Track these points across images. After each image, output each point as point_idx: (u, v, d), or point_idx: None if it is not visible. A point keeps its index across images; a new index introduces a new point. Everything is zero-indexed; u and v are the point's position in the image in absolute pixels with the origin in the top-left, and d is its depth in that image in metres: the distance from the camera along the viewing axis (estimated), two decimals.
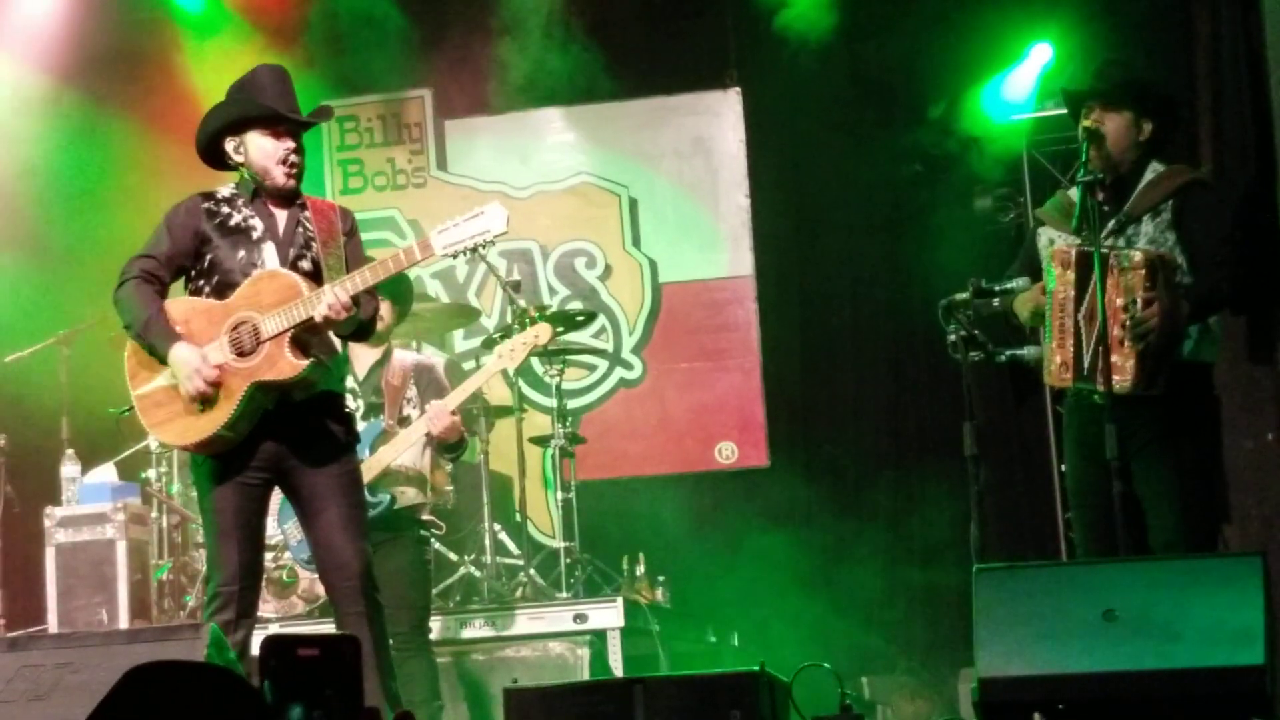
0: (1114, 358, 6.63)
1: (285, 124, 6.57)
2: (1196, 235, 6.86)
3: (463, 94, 11.52)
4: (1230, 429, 9.29)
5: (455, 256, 6.57)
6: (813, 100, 10.92)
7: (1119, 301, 6.65)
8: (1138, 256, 6.65)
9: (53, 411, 10.48)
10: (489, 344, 9.21)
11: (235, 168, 6.67)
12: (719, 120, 11.29)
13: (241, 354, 6.39)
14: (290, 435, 6.49)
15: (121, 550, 9.49)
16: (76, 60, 11.18)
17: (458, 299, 11.28)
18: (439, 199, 11.42)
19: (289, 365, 6.37)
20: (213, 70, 10.87)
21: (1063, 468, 8.21)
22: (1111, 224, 6.87)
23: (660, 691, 5.99)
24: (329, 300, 6.31)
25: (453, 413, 8.24)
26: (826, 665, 6.74)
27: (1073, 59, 9.87)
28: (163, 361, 6.46)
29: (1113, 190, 6.94)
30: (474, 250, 6.48)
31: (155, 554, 9.75)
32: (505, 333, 8.99)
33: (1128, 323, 6.62)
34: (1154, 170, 6.97)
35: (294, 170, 6.58)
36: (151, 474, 9.87)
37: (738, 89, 11.20)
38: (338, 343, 6.65)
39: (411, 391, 8.49)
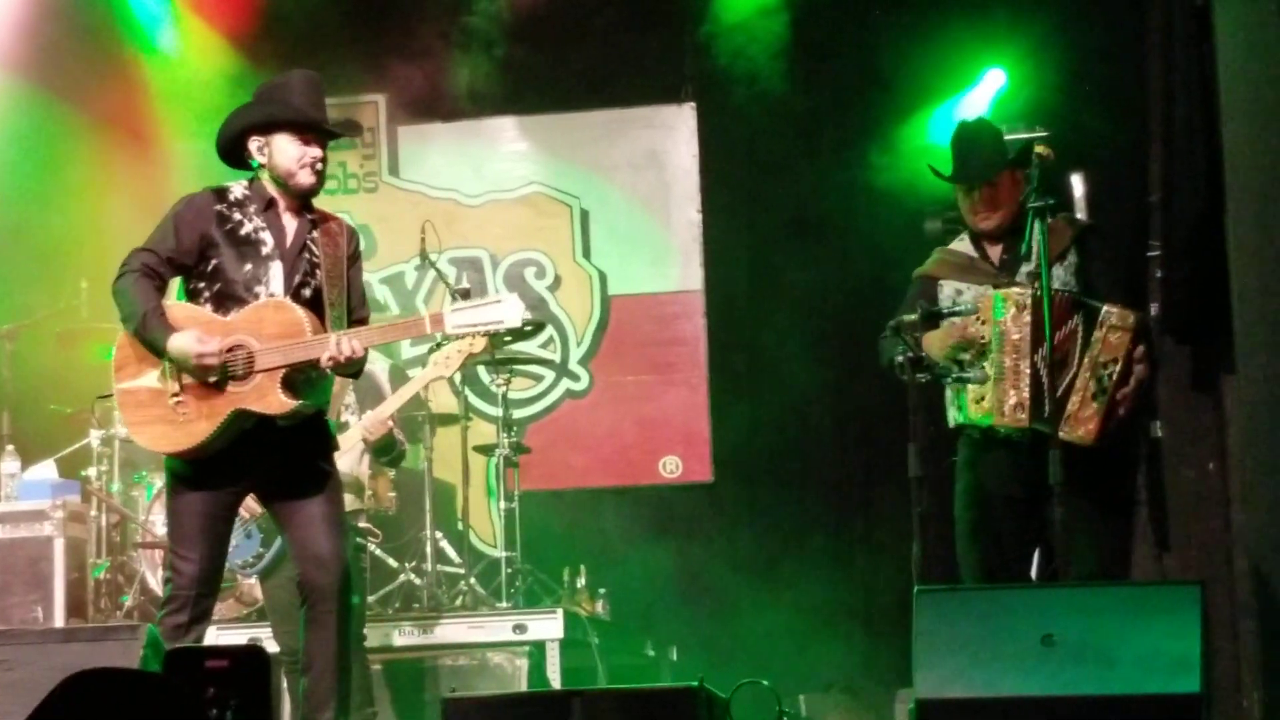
0: (1078, 408, 6.80)
1: (316, 131, 6.55)
2: (1099, 278, 7.18)
3: (417, 100, 11.49)
4: (1172, 458, 9.35)
5: (461, 338, 6.65)
6: (767, 117, 10.92)
7: (1100, 357, 6.82)
8: (1131, 319, 6.87)
9: None
10: (434, 351, 9.20)
11: (252, 168, 6.64)
12: (673, 134, 11.29)
13: (233, 378, 6.38)
14: (270, 443, 6.47)
15: (59, 548, 9.41)
16: (28, 53, 11.10)
17: (406, 305, 11.25)
18: (390, 204, 11.40)
19: (278, 402, 6.37)
20: (167, 70, 10.86)
21: None
22: (1027, 268, 7.05)
23: (598, 704, 5.99)
24: (341, 350, 6.31)
25: (387, 419, 8.23)
26: (765, 682, 6.74)
27: (1027, 85, 9.94)
28: (161, 355, 6.41)
29: (1009, 239, 7.23)
30: (484, 336, 6.60)
31: (93, 553, 9.68)
32: (447, 340, 8.98)
33: (1105, 380, 6.79)
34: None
35: (318, 175, 6.56)
36: (92, 472, 9.81)
37: (692, 104, 11.21)
38: None
39: (350, 398, 8.47)
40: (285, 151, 6.52)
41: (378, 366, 9.14)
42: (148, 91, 10.92)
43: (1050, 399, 6.76)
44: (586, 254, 11.34)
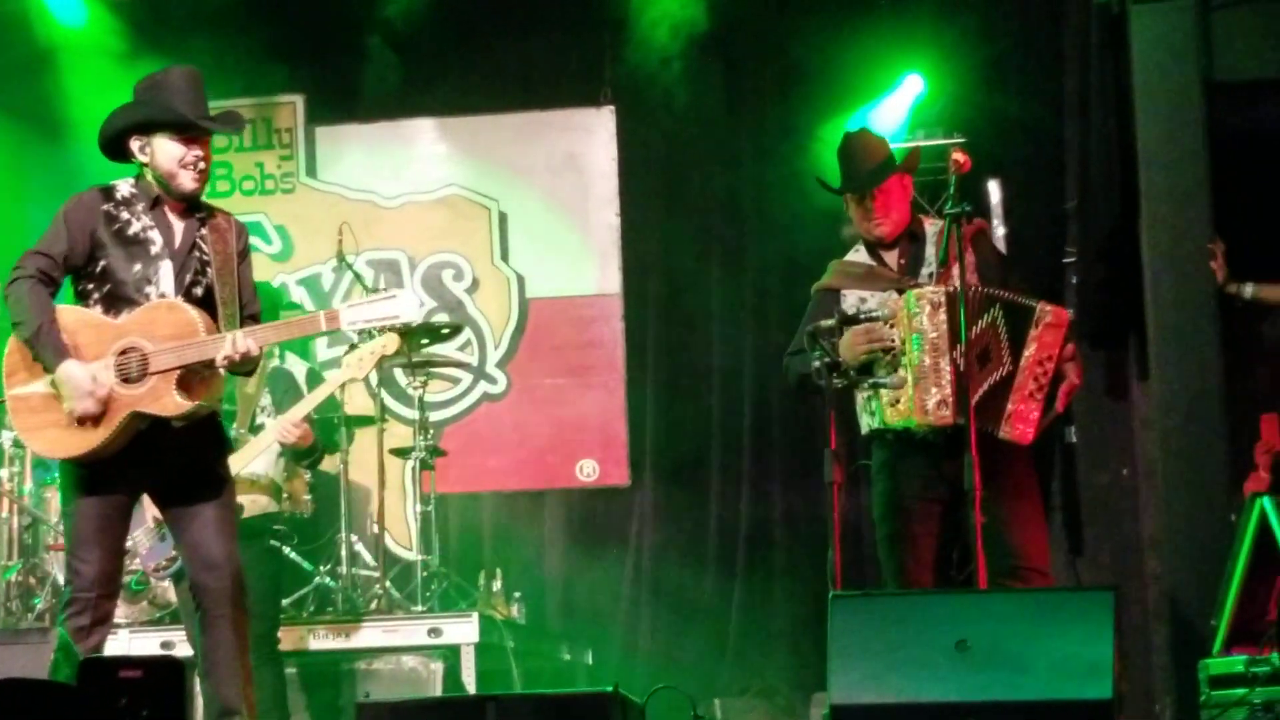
0: (1020, 406, 6.88)
1: (195, 130, 6.48)
2: (993, 276, 7.20)
3: (335, 101, 11.44)
4: (1085, 463, 9.43)
5: (358, 334, 6.61)
6: (685, 120, 10.93)
7: (1038, 354, 6.90)
8: (1065, 316, 6.97)
9: None
10: (348, 353, 9.16)
11: (135, 164, 6.56)
12: (591, 137, 11.27)
13: (126, 380, 6.32)
14: (163, 445, 6.42)
15: None
16: None
17: (323, 306, 11.19)
18: (307, 205, 11.33)
19: (173, 404, 6.32)
20: (83, 68, 10.74)
21: None
22: (930, 270, 7.18)
23: (513, 709, 5.98)
24: (237, 348, 6.28)
25: (301, 421, 8.19)
26: (679, 687, 6.74)
27: (945, 90, 9.99)
28: (48, 372, 6.36)
29: (904, 244, 7.34)
30: (379, 332, 6.56)
31: (4, 555, 9.60)
32: (361, 342, 8.95)
33: (1041, 378, 6.88)
34: (930, 224, 7.42)
35: (200, 176, 6.49)
36: (3, 474, 9.72)
37: (611, 106, 11.19)
38: None
39: (266, 399, 8.43)
40: (166, 152, 6.44)
41: (297, 370, 9.09)
42: (60, 88, 10.81)
43: (969, 395, 6.79)
44: (505, 256, 11.31)
